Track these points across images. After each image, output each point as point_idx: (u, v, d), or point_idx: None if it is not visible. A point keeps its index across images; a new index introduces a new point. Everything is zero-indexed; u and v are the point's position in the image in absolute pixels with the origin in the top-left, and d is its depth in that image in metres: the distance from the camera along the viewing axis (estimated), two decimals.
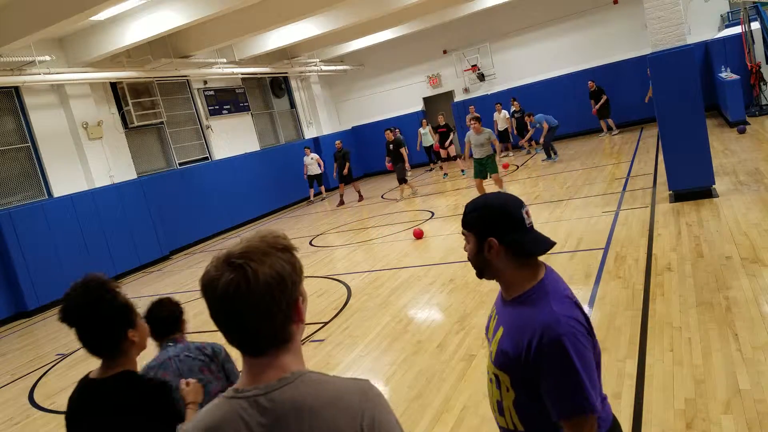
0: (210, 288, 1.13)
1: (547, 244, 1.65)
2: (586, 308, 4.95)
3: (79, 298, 1.86)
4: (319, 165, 16.62)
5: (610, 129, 16.46)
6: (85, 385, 1.92)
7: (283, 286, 1.13)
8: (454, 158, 16.10)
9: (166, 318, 2.72)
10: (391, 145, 14.14)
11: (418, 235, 9.23)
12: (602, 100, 15.80)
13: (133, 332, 1.90)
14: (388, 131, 14.55)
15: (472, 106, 16.69)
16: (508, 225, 1.62)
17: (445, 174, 16.25)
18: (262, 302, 1.11)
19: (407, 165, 14.03)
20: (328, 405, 1.12)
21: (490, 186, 10.62)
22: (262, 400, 1.12)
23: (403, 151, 14.00)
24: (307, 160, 16.62)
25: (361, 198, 15.34)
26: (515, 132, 16.93)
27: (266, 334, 1.14)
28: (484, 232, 1.64)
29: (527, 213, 1.65)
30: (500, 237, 1.62)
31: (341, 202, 15.31)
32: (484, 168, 10.15)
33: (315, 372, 1.18)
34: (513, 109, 16.85)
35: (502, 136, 17.13)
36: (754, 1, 13.46)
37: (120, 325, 1.87)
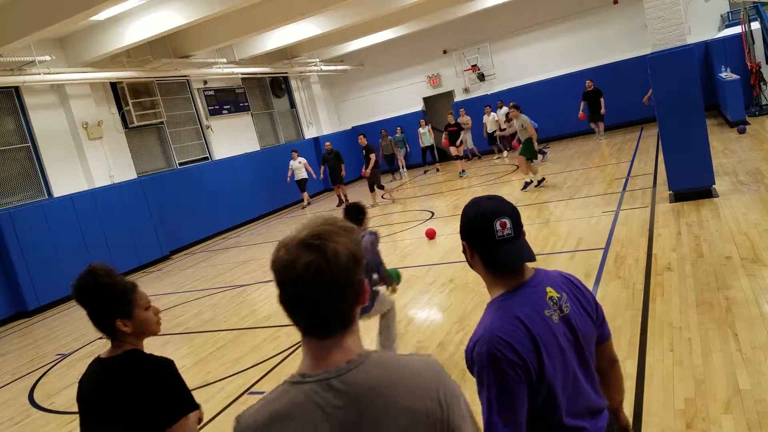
0: (288, 270, 1.12)
1: (510, 263, 1.61)
2: None
3: (79, 282, 1.95)
4: (307, 169, 16.03)
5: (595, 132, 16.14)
6: (96, 364, 2.04)
7: (357, 265, 1.16)
8: (464, 157, 15.57)
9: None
10: (363, 151, 13.67)
11: (431, 235, 9.00)
12: (602, 103, 15.34)
13: (124, 322, 1.96)
14: (361, 136, 14.21)
15: (462, 109, 17.17)
16: (476, 235, 1.62)
17: (462, 171, 15.57)
18: (340, 282, 1.12)
19: (365, 171, 13.53)
20: (401, 383, 1.14)
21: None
22: (335, 383, 1.12)
23: (372, 157, 13.47)
24: (294, 164, 15.91)
25: (341, 203, 15.21)
26: (508, 134, 16.91)
27: (339, 313, 1.15)
28: (462, 236, 1.67)
29: (503, 224, 1.59)
30: (472, 245, 1.64)
31: (341, 203, 15.27)
32: (525, 149, 11.06)
33: (377, 351, 1.20)
34: (506, 110, 16.77)
35: (491, 138, 17.16)
36: (754, 1, 13.46)
37: (109, 313, 1.95)
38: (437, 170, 17.71)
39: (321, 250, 1.11)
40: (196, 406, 2.00)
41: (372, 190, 13.73)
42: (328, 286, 1.11)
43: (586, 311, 1.69)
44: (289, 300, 1.15)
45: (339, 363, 1.14)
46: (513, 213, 1.63)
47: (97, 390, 1.97)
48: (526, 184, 11.15)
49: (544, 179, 11.19)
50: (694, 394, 3.35)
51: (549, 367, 1.55)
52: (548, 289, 1.64)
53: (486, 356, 1.51)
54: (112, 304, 1.95)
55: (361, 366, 1.14)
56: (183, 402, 1.95)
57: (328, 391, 1.12)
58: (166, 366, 1.97)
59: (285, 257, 1.13)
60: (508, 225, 1.59)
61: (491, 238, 1.59)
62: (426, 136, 17.82)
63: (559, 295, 1.64)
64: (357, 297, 1.17)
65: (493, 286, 1.66)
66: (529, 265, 1.67)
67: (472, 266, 1.69)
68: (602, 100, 15.35)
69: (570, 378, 1.60)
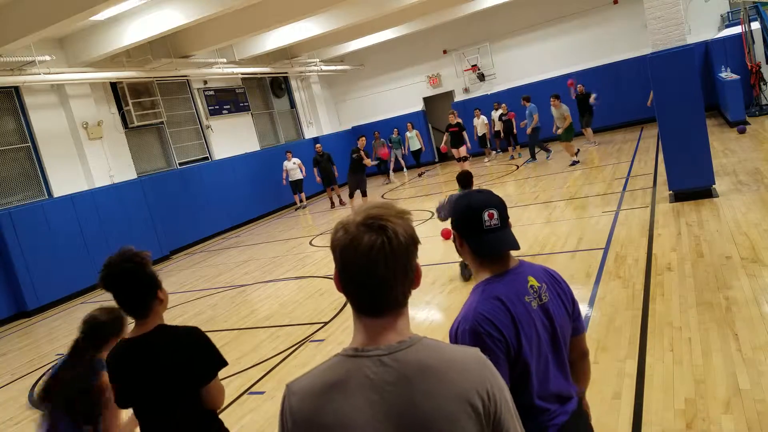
0: (351, 247, 1.15)
1: (496, 249, 1.74)
2: (586, 308, 4.96)
3: (117, 266, 2.13)
4: (301, 170, 15.71)
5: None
6: (125, 345, 2.20)
7: (415, 247, 1.20)
8: (465, 159, 14.61)
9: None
10: (354, 155, 12.87)
11: (447, 235, 8.60)
12: (592, 108, 14.78)
13: (161, 292, 2.18)
14: (362, 138, 13.52)
15: (455, 111, 16.91)
16: (466, 225, 1.75)
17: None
18: (401, 260, 1.17)
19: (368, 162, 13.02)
20: (452, 368, 1.17)
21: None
22: (387, 360, 1.16)
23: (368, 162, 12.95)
24: (288, 164, 15.63)
25: (333, 206, 15.22)
26: (502, 135, 16.95)
27: (397, 293, 1.19)
28: (453, 226, 1.82)
29: (491, 215, 1.72)
30: (461, 233, 1.78)
31: (333, 205, 15.34)
32: (566, 134, 12.73)
33: (429, 338, 1.22)
34: (500, 112, 16.80)
35: (482, 141, 16.97)
36: (754, 1, 13.46)
37: (151, 287, 2.15)
38: (420, 174, 17.68)
39: (384, 230, 1.15)
40: (225, 363, 2.20)
41: (352, 196, 12.77)
42: (391, 264, 1.15)
43: (563, 304, 1.80)
44: (349, 278, 1.18)
45: (390, 342, 1.18)
46: (500, 205, 1.76)
47: (133, 368, 2.13)
48: (574, 162, 12.92)
49: (578, 150, 13.39)
50: (694, 394, 3.35)
51: (526, 348, 1.65)
52: (530, 278, 1.77)
53: (469, 332, 1.61)
54: (153, 279, 2.16)
55: (413, 347, 1.18)
56: (216, 362, 2.17)
57: (380, 366, 1.16)
58: (197, 333, 2.18)
59: (346, 238, 1.17)
60: (495, 216, 1.73)
61: (479, 228, 1.72)
62: (414, 140, 17.71)
63: (539, 285, 1.77)
64: (413, 279, 1.22)
65: (480, 271, 1.78)
66: (515, 256, 1.81)
67: (460, 254, 1.84)
68: (592, 98, 14.65)
69: (542, 362, 1.71)
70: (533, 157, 14.79)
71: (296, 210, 16.36)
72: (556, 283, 1.83)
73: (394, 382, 1.14)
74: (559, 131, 13.07)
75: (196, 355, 2.12)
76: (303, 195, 16.37)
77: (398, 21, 15.94)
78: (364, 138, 13.57)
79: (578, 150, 13.25)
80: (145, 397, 2.15)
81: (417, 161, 18.29)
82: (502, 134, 16.95)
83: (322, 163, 15.28)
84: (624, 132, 16.32)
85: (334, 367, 1.20)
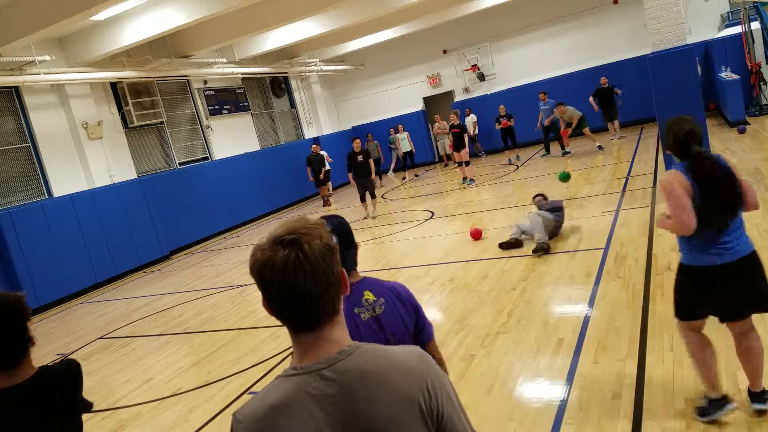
0: (267, 266, 1.16)
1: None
2: (586, 308, 4.97)
3: None
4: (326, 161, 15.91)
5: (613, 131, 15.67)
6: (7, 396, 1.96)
7: (333, 255, 1.20)
8: (467, 163, 14.03)
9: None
10: (360, 156, 12.36)
11: (476, 235, 8.25)
12: (619, 102, 14.82)
13: (31, 327, 2.04)
14: (357, 140, 12.79)
15: (457, 111, 16.97)
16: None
17: (468, 180, 13.93)
18: (319, 271, 1.16)
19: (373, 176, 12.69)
20: (392, 369, 1.18)
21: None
22: (326, 373, 1.16)
23: (371, 162, 12.50)
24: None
25: (327, 204, 15.45)
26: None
27: (324, 304, 1.18)
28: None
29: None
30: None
31: (327, 203, 15.59)
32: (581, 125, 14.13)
33: (367, 343, 1.23)
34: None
35: (471, 140, 16.46)
36: (754, 1, 13.46)
37: (25, 332, 2.00)
38: (413, 177, 17.61)
39: (296, 243, 1.15)
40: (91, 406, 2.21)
41: (363, 200, 12.58)
42: (309, 277, 1.15)
43: (401, 316, 2.00)
44: (273, 297, 1.18)
45: (329, 354, 1.18)
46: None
47: (25, 418, 1.94)
48: (600, 147, 14.02)
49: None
50: (694, 394, 3.35)
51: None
52: (366, 292, 1.99)
53: None
54: (24, 324, 1.99)
55: (352, 355, 1.18)
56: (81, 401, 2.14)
57: (319, 381, 1.16)
58: (75, 366, 2.13)
59: (262, 258, 1.17)
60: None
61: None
62: (404, 142, 17.58)
63: (375, 299, 1.98)
64: (338, 285, 1.21)
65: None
66: (359, 273, 2.05)
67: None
68: (616, 97, 14.75)
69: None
70: (547, 150, 15.46)
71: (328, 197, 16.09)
72: (397, 300, 2.02)
73: (335, 394, 1.14)
74: (568, 130, 14.39)
75: (80, 391, 2.10)
76: (329, 185, 16.41)
77: (398, 21, 15.95)
78: (359, 140, 12.88)
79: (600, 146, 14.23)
80: None
81: (409, 163, 17.95)
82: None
83: (314, 164, 15.59)
84: (624, 132, 16.31)
85: (275, 389, 1.19)
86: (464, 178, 14.09)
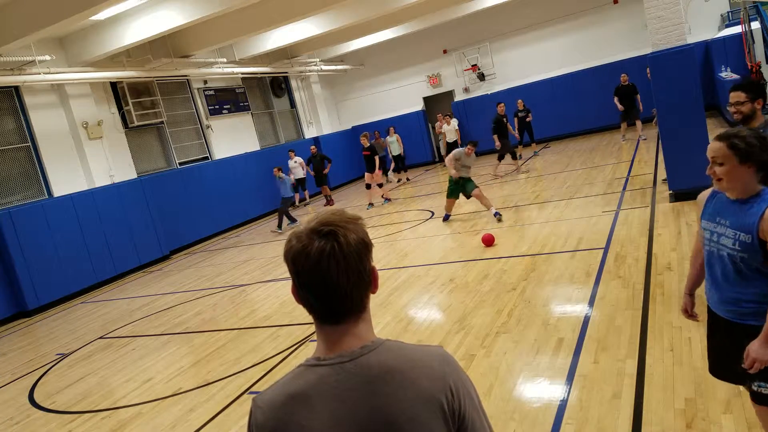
0: (302, 256, 1.16)
1: None
2: (586, 308, 4.96)
3: None
4: (302, 168, 16.15)
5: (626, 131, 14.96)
6: None
7: (367, 250, 1.20)
8: (380, 185, 13.98)
9: None
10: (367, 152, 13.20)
11: (489, 241, 7.87)
12: (638, 99, 14.06)
13: None
14: (364, 136, 13.69)
15: (451, 113, 17.03)
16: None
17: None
18: (353, 265, 1.16)
19: (377, 173, 13.69)
20: (414, 367, 1.17)
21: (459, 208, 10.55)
22: (348, 366, 1.16)
23: (376, 159, 13.38)
24: (291, 163, 16.05)
25: (328, 203, 15.68)
26: (516, 132, 15.96)
27: (353, 299, 1.18)
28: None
29: None
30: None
31: (328, 203, 15.68)
32: (462, 188, 9.58)
33: (392, 340, 1.23)
34: (517, 108, 16.36)
35: (451, 148, 15.80)
36: (754, 1, 13.46)
37: None
38: (404, 180, 17.48)
39: (333, 235, 1.15)
40: None
41: (369, 187, 13.65)
42: (343, 270, 1.15)
43: None
44: (303, 286, 1.18)
45: (353, 348, 1.18)
46: None
47: None
48: (497, 214, 10.78)
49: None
50: (694, 394, 3.35)
51: None
52: None
53: None
54: None
55: (375, 351, 1.18)
56: None
57: (341, 374, 1.16)
58: None
59: (298, 245, 1.17)
60: None
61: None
62: (394, 144, 17.37)
63: None
64: (369, 283, 1.21)
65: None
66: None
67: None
68: (638, 96, 14.06)
69: None
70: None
71: (306, 205, 16.77)
72: None
73: (356, 388, 1.15)
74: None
75: None
76: (306, 193, 16.96)
77: (398, 21, 15.94)
78: (367, 134, 13.91)
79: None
80: None
81: (400, 166, 17.59)
82: (515, 131, 15.79)
83: (314, 164, 15.81)
84: (624, 132, 16.28)
85: (296, 378, 1.20)
86: (370, 204, 13.64)
